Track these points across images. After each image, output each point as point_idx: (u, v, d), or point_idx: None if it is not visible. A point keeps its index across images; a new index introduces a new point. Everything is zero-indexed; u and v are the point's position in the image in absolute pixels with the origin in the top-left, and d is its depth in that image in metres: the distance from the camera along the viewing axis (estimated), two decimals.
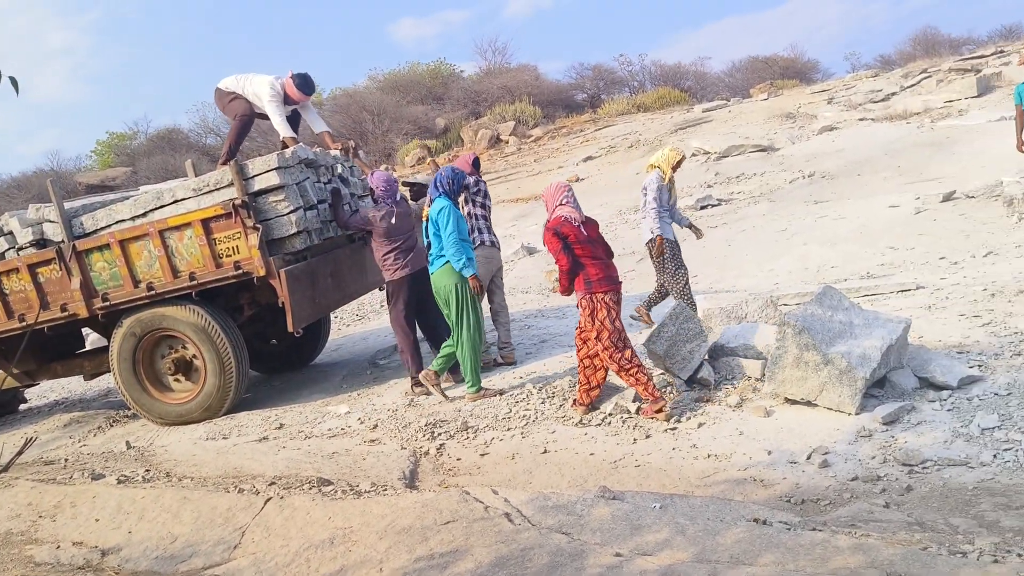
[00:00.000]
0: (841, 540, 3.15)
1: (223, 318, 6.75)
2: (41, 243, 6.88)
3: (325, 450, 5.48)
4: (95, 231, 6.76)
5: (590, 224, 5.54)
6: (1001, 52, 20.25)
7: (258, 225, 6.30)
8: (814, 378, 4.93)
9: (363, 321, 11.04)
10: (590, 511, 3.62)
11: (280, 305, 6.46)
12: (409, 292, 6.52)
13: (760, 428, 4.91)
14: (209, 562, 3.76)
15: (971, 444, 4.28)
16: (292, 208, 6.35)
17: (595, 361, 5.45)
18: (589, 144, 22.52)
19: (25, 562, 3.94)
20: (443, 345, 6.31)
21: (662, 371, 5.80)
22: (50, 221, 6.82)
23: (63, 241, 6.72)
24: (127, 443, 6.46)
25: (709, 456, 4.68)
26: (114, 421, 7.63)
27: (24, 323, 6.91)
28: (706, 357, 5.74)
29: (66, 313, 6.82)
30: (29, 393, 9.50)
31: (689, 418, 5.19)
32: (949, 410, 4.70)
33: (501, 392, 6.13)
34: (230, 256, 6.44)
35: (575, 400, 5.59)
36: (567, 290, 5.46)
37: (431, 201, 6.15)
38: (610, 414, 5.40)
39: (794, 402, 5.09)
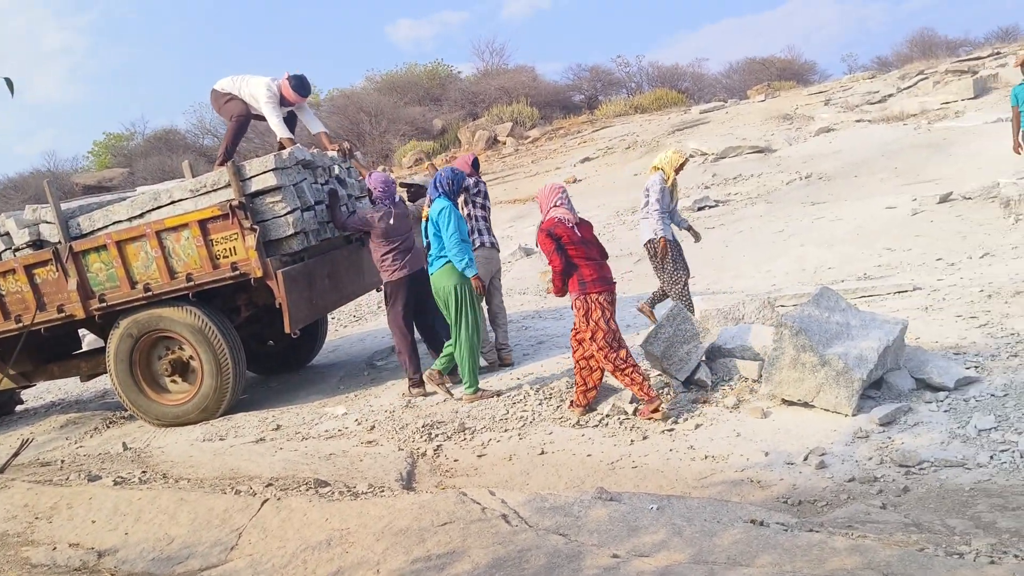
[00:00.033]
0: (838, 541, 3.15)
1: (220, 319, 6.74)
2: (38, 244, 6.87)
3: (322, 451, 5.47)
4: (92, 232, 6.76)
5: (584, 225, 5.55)
6: (998, 54, 20.28)
7: (255, 226, 6.29)
8: (811, 379, 4.93)
9: (360, 322, 11.03)
10: (587, 512, 3.62)
11: (277, 306, 6.45)
12: (407, 293, 6.52)
13: (757, 429, 4.91)
14: (206, 564, 3.76)
15: (968, 445, 4.28)
16: (289, 209, 6.35)
17: (591, 362, 5.45)
18: (586, 145, 22.53)
19: (21, 564, 3.93)
20: (445, 345, 6.32)
21: (659, 372, 5.80)
22: (47, 222, 6.81)
23: (60, 242, 6.71)
24: (124, 444, 6.45)
25: (706, 457, 4.68)
26: (111, 422, 7.62)
27: (21, 324, 6.90)
28: (703, 358, 5.74)
29: (63, 314, 6.81)
30: (25, 394, 9.48)
31: (686, 419, 5.19)
32: (946, 411, 4.71)
33: (498, 393, 6.13)
34: (227, 257, 6.43)
35: (572, 401, 5.59)
36: (560, 291, 5.48)
37: (431, 202, 6.15)
38: (607, 415, 5.40)
39: (791, 403, 5.09)
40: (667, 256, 7.18)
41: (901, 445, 4.39)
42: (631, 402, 5.41)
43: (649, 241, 7.30)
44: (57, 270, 6.71)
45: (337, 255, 7.29)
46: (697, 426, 5.08)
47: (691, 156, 17.03)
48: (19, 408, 9.11)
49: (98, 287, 6.73)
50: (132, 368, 6.87)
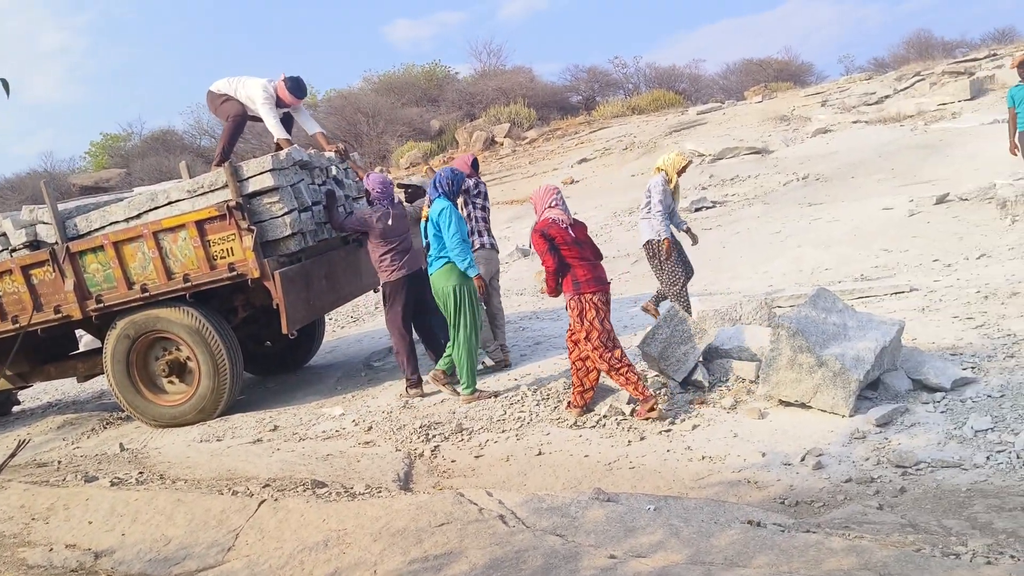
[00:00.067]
0: (835, 542, 3.16)
1: (217, 320, 6.73)
2: (35, 245, 6.86)
3: (319, 452, 5.47)
4: (89, 233, 6.75)
5: (578, 226, 5.57)
6: (994, 55, 20.33)
7: (252, 227, 6.29)
8: (808, 380, 4.94)
9: (358, 323, 11.03)
10: (584, 513, 3.63)
11: (274, 307, 6.45)
12: (406, 293, 6.52)
13: (754, 430, 4.92)
14: (203, 564, 3.76)
15: (964, 446, 4.29)
16: (287, 210, 6.35)
17: (587, 363, 5.46)
18: (584, 146, 22.54)
19: (18, 565, 3.93)
20: (448, 345, 6.32)
21: (656, 373, 5.80)
22: (44, 223, 6.80)
23: (57, 243, 6.70)
24: (121, 445, 6.44)
25: (703, 458, 4.69)
26: (108, 423, 7.61)
27: (17, 325, 6.88)
28: (700, 359, 5.75)
29: (60, 315, 6.80)
30: (22, 395, 9.47)
31: (683, 420, 5.19)
32: (942, 412, 4.72)
33: (496, 394, 6.13)
34: (224, 258, 6.43)
35: (569, 402, 5.59)
36: (554, 291, 5.49)
37: (431, 202, 6.15)
38: (604, 416, 5.40)
39: (788, 404, 5.10)
40: (670, 257, 7.19)
41: (898, 446, 4.40)
42: (628, 403, 5.42)
43: (648, 242, 7.31)
44: (54, 271, 6.70)
45: (334, 256, 7.29)
46: (694, 427, 5.08)
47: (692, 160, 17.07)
48: (16, 409, 9.10)
49: (95, 288, 6.72)
50: (129, 369, 6.86)
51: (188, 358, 6.81)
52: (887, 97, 19.59)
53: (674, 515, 3.61)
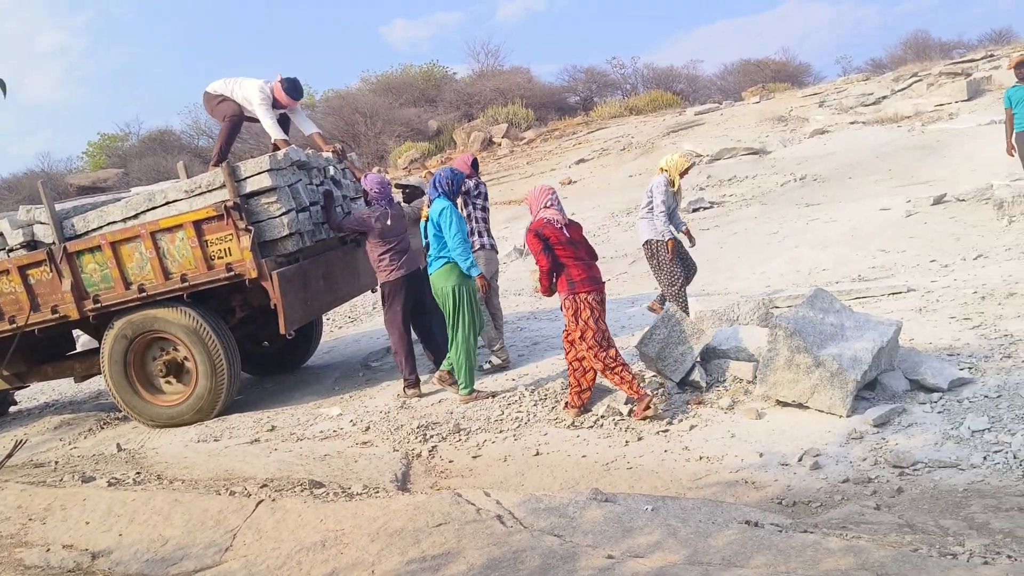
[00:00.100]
0: (832, 542, 3.16)
1: (215, 320, 6.73)
2: (32, 245, 6.84)
3: (317, 452, 5.47)
4: (86, 233, 6.73)
5: (573, 226, 5.58)
6: (991, 56, 20.36)
7: (250, 227, 6.28)
8: (805, 380, 4.95)
9: (356, 323, 11.02)
10: (582, 513, 3.63)
11: (272, 307, 6.44)
12: (405, 293, 6.51)
13: (752, 430, 4.92)
14: (200, 565, 3.75)
15: (961, 446, 4.30)
16: (284, 210, 6.34)
17: (584, 363, 5.47)
18: (581, 147, 22.55)
19: (15, 565, 3.92)
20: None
21: (654, 373, 5.81)
22: (41, 223, 6.79)
23: (54, 243, 6.68)
24: (118, 445, 6.43)
25: (701, 458, 4.69)
26: (105, 423, 7.60)
27: (15, 325, 6.87)
28: (698, 359, 5.75)
29: (57, 315, 6.79)
30: (19, 395, 9.45)
31: (681, 420, 5.20)
32: (939, 412, 4.72)
33: (493, 394, 6.13)
34: (222, 258, 6.42)
35: (567, 402, 5.60)
36: (548, 290, 5.51)
37: (431, 202, 6.15)
38: (602, 416, 5.41)
39: (785, 404, 5.10)
40: (675, 256, 7.20)
41: (895, 446, 4.41)
42: (626, 403, 5.42)
43: (647, 241, 7.31)
44: (51, 271, 6.69)
45: (332, 256, 7.29)
46: (692, 427, 5.09)
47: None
48: (13, 409, 9.08)
49: (92, 288, 6.71)
50: (126, 369, 6.85)
51: (186, 358, 6.80)
52: (884, 98, 19.61)
53: (672, 515, 3.62)
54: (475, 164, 7.07)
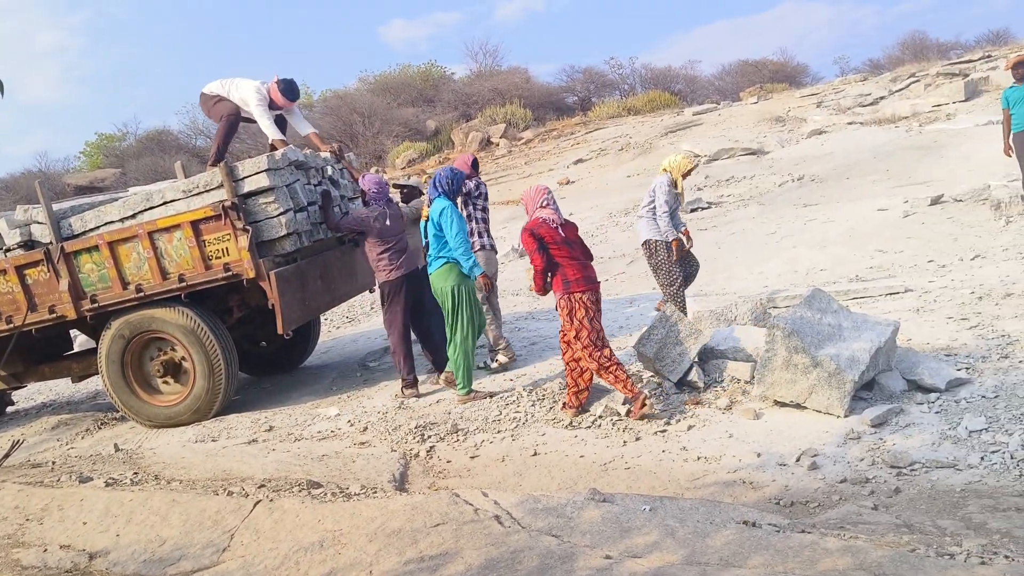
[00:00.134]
0: (830, 542, 3.16)
1: (212, 320, 6.72)
2: (29, 245, 6.83)
3: (315, 452, 5.46)
4: (84, 233, 6.72)
5: (568, 226, 5.59)
6: (989, 57, 20.40)
7: (248, 227, 6.28)
8: (803, 381, 4.95)
9: (353, 323, 11.01)
10: (580, 513, 3.63)
11: (270, 307, 6.44)
12: (404, 293, 6.51)
13: (749, 430, 4.92)
14: (198, 565, 3.75)
15: (959, 446, 4.30)
16: (282, 210, 6.34)
17: (580, 364, 5.47)
18: (579, 147, 22.56)
19: (12, 565, 3.91)
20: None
21: (652, 373, 5.81)
22: (38, 223, 6.78)
23: (51, 243, 6.67)
24: (115, 445, 6.43)
25: (699, 458, 4.69)
26: (102, 423, 7.59)
27: (12, 325, 6.86)
28: (696, 360, 5.76)
29: (54, 315, 6.78)
30: (16, 395, 9.43)
31: (679, 420, 5.20)
32: (937, 412, 4.73)
33: (491, 395, 6.13)
34: (220, 258, 6.41)
35: (564, 403, 5.60)
36: (542, 289, 5.52)
37: (430, 202, 6.15)
38: (600, 416, 5.41)
39: (783, 404, 5.11)
40: (680, 256, 7.20)
41: (892, 446, 4.41)
42: (624, 403, 5.42)
43: (647, 241, 7.31)
44: (48, 271, 6.68)
45: (330, 256, 7.28)
46: (690, 427, 5.09)
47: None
48: (10, 409, 9.06)
49: (90, 288, 6.70)
50: (124, 369, 6.85)
51: (183, 358, 6.79)
52: (882, 98, 19.65)
53: (670, 515, 3.62)
54: (475, 164, 7.06)
